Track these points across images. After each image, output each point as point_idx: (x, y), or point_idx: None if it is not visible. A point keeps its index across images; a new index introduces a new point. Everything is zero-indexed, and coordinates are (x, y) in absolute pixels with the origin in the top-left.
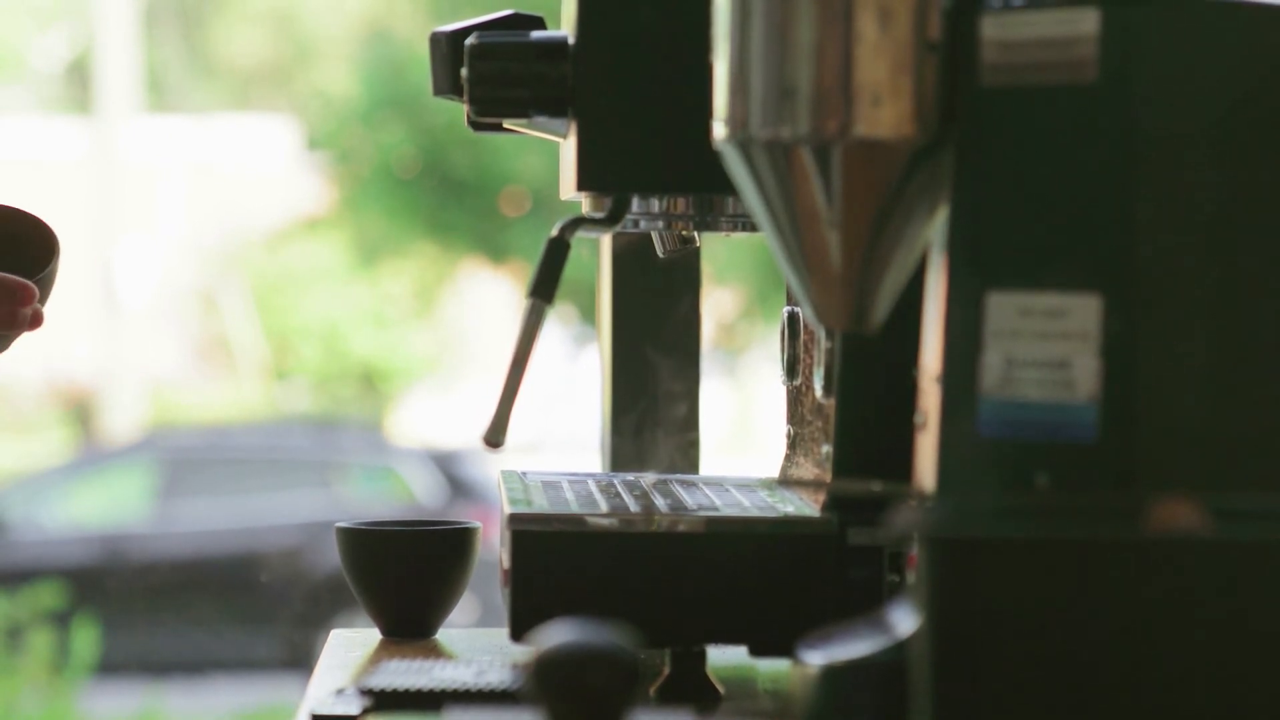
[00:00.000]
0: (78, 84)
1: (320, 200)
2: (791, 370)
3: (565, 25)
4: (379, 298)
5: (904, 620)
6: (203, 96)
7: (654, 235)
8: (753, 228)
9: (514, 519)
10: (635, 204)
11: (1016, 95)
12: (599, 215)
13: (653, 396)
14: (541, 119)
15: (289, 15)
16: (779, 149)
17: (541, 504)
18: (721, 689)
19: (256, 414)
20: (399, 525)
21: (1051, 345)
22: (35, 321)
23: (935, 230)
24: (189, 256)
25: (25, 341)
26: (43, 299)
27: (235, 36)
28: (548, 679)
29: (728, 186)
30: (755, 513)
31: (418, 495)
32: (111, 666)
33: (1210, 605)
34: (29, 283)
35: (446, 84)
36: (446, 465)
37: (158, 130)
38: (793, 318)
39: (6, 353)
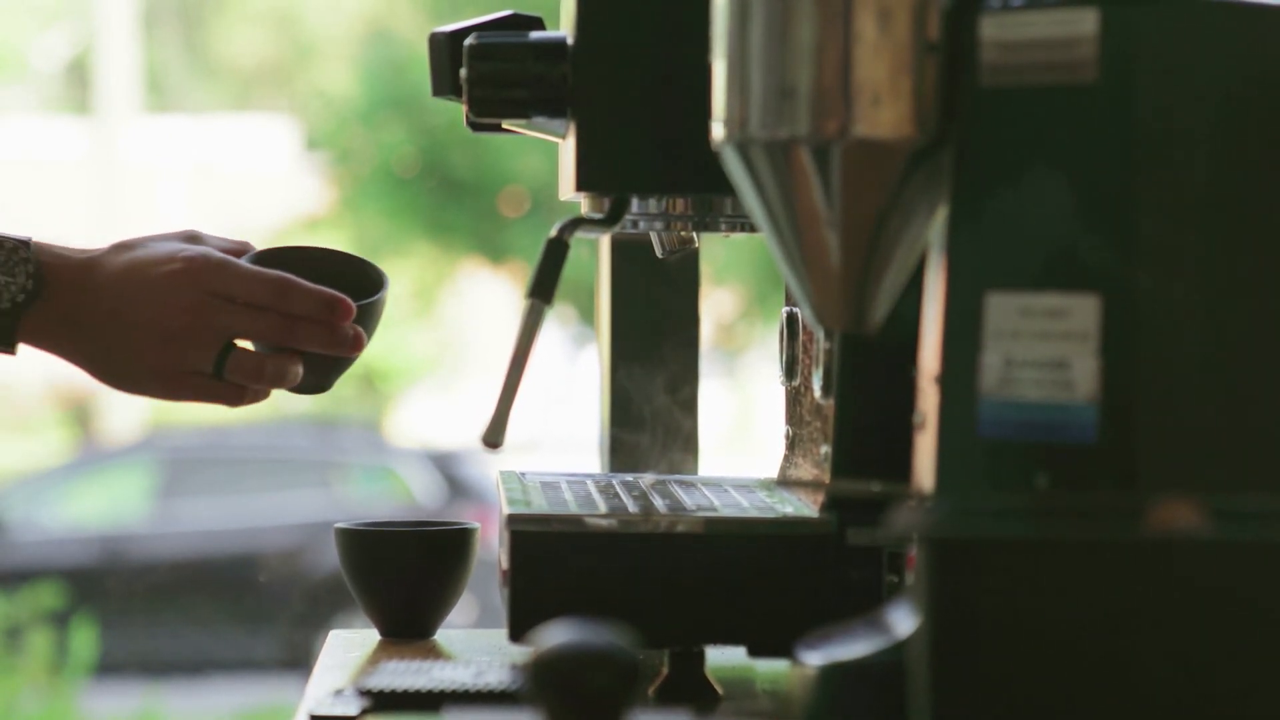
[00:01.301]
0: (78, 84)
1: (320, 200)
2: (790, 371)
3: (564, 26)
4: None
5: (903, 621)
6: (203, 96)
7: (653, 236)
8: (752, 228)
9: (513, 519)
10: (634, 204)
11: (1016, 95)
12: (598, 216)
13: (651, 397)
14: (540, 119)
15: (289, 15)
16: (778, 149)
17: (540, 504)
18: (720, 689)
19: (256, 414)
20: (398, 526)
21: (1051, 345)
22: (356, 344)
23: (935, 230)
24: None
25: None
26: (369, 327)
27: (235, 36)
28: (546, 680)
29: (727, 187)
30: (754, 513)
31: (417, 495)
32: (111, 666)
33: (1211, 605)
34: (345, 297)
35: (446, 84)
36: (446, 465)
37: (158, 130)
38: (792, 318)
39: (12, 358)
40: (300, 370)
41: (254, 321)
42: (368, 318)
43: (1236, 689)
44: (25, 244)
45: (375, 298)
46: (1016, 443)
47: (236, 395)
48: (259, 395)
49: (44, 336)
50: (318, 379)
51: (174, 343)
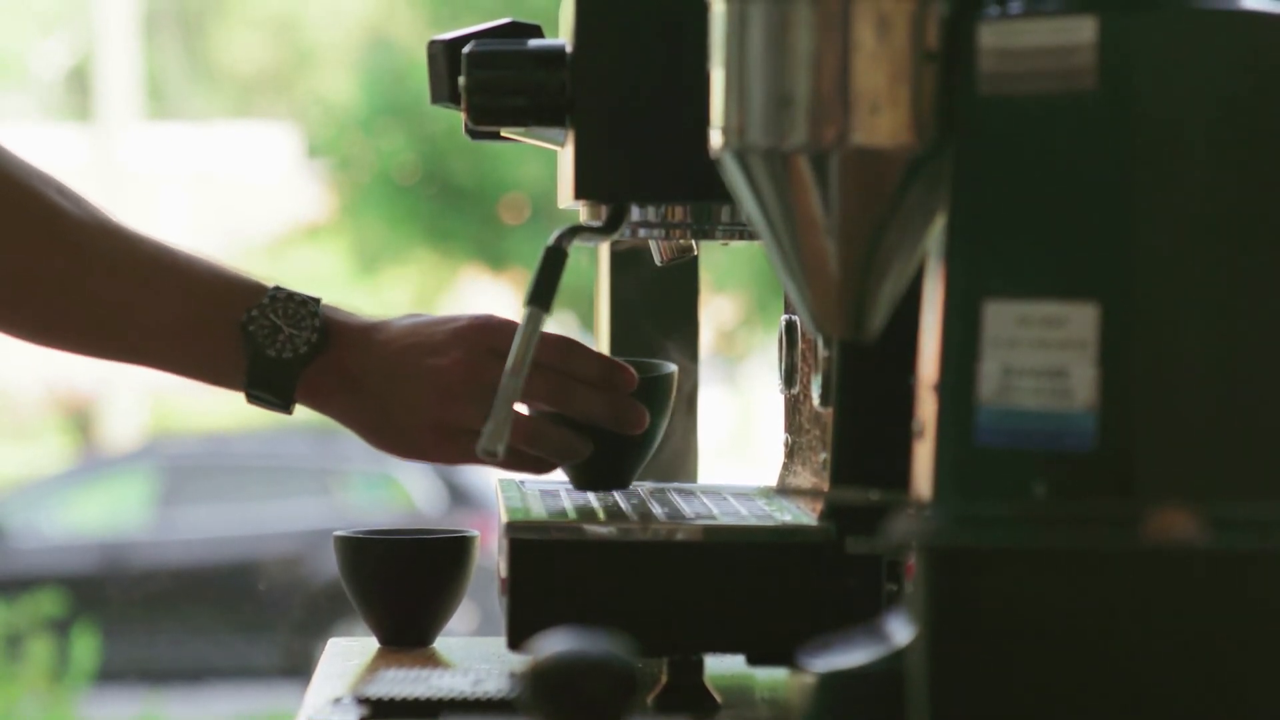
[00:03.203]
0: (78, 91)
1: (320, 207)
2: (789, 378)
3: (563, 34)
4: (379, 305)
5: (901, 629)
6: (203, 103)
7: (652, 244)
8: (751, 236)
9: (511, 527)
10: (633, 212)
11: (1014, 104)
12: (597, 224)
13: None
14: (539, 127)
15: (289, 22)
16: (777, 158)
17: (539, 513)
18: (719, 698)
19: (256, 421)
20: (397, 534)
21: (1049, 354)
22: (636, 420)
23: (933, 238)
24: None
25: (26, 348)
26: (654, 409)
27: (236, 43)
28: (544, 688)
29: (725, 195)
30: (753, 521)
31: (417, 503)
32: (111, 674)
33: (1209, 615)
34: (630, 368)
35: (444, 92)
36: (446, 473)
37: (158, 137)
38: (791, 326)
39: (11, 361)
40: (582, 447)
41: (531, 381)
42: (653, 397)
43: (1235, 698)
44: (315, 300)
45: (662, 373)
46: (1015, 451)
47: (514, 459)
48: (541, 464)
49: (321, 394)
50: (606, 464)
51: (449, 399)
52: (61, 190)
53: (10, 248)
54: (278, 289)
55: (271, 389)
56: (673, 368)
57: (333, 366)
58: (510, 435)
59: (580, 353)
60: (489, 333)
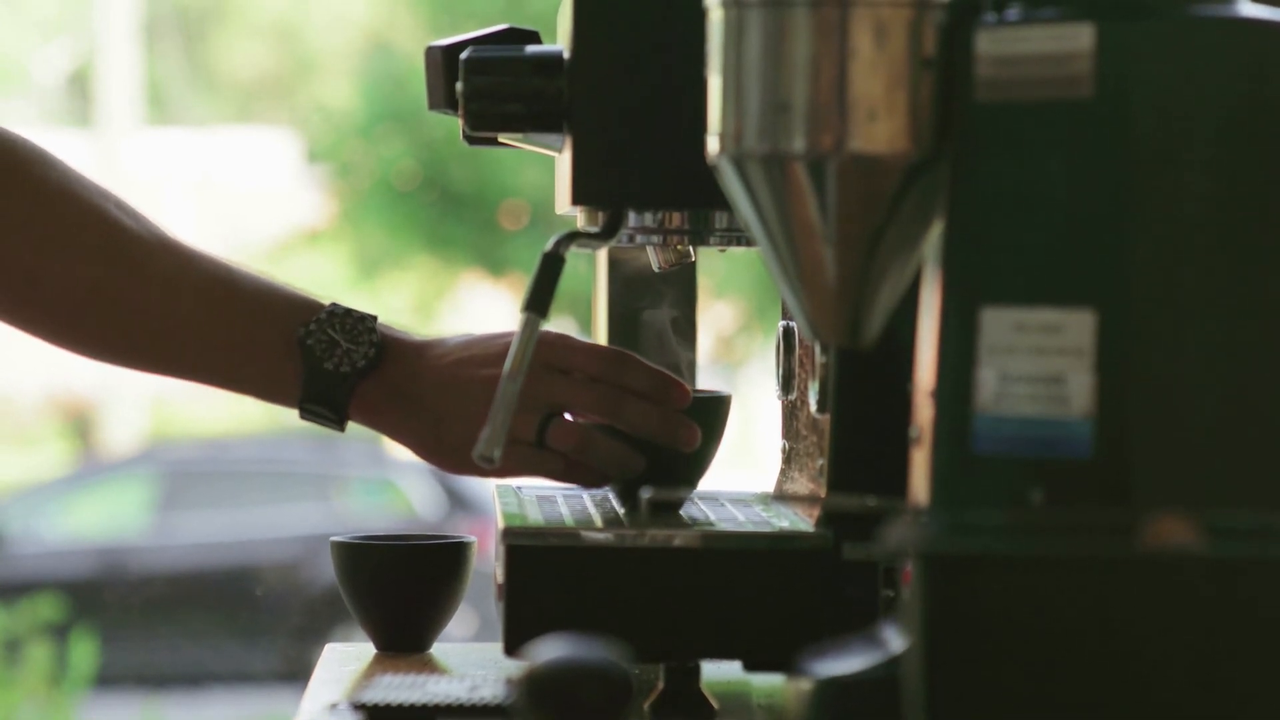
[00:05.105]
0: (79, 96)
1: (321, 213)
2: (787, 385)
3: (561, 40)
4: (379, 310)
5: (898, 636)
6: (204, 109)
7: (649, 250)
8: (748, 242)
9: (508, 533)
10: (631, 218)
11: (1012, 111)
12: (594, 230)
13: None
14: (537, 133)
15: (290, 29)
16: (774, 164)
17: (536, 519)
18: (716, 704)
19: (256, 427)
20: (394, 540)
21: (1046, 361)
22: (687, 437)
23: (930, 245)
24: None
25: (26, 354)
26: (707, 428)
27: (236, 49)
28: (540, 694)
29: (723, 202)
30: (750, 528)
31: (417, 508)
32: (110, 679)
33: (1206, 622)
34: (684, 383)
35: (441, 98)
36: (445, 478)
37: (159, 143)
38: (788, 332)
39: (11, 366)
40: (634, 461)
41: (582, 392)
42: (705, 415)
43: (1232, 706)
44: (372, 317)
45: (716, 394)
46: (1011, 458)
47: (565, 469)
48: (592, 476)
49: (375, 410)
50: (656, 483)
51: None
52: (120, 206)
53: (72, 264)
54: (334, 305)
55: (326, 403)
56: (728, 393)
57: (387, 382)
58: (564, 443)
59: (634, 365)
60: (543, 347)
